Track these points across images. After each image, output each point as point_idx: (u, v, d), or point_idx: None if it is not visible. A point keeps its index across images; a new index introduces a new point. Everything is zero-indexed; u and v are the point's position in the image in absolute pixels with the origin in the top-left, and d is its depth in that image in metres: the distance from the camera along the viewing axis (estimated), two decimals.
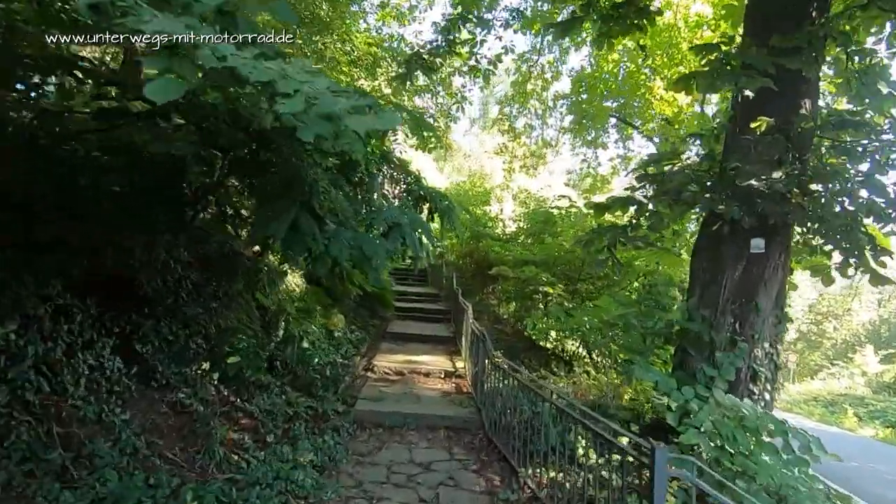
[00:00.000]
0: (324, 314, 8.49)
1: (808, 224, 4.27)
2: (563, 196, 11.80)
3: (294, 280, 8.07)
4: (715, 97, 8.75)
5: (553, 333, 8.42)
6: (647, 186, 4.77)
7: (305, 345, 5.25)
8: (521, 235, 15.09)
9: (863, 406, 17.46)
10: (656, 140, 13.57)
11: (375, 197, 4.13)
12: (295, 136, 1.77)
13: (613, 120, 15.32)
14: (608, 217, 7.61)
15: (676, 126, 8.05)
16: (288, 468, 3.92)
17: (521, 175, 18.18)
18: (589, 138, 16.33)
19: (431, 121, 11.46)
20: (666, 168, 4.87)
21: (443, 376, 7.74)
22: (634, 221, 4.80)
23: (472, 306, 11.59)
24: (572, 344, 9.26)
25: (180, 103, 3.09)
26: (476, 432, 5.69)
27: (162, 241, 4.83)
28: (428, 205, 5.20)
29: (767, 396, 4.58)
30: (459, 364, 8.23)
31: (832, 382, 23.24)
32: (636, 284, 9.84)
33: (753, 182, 3.96)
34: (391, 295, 12.72)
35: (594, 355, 9.02)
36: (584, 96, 10.82)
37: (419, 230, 4.15)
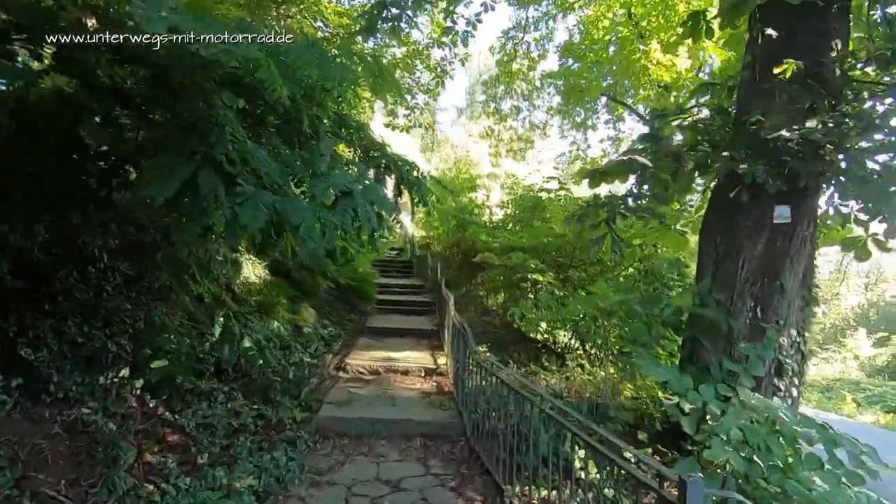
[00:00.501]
0: (291, 308, 7.68)
1: (845, 186, 3.56)
2: (552, 178, 11.05)
3: (255, 270, 7.25)
4: (715, 63, 8.04)
5: (543, 325, 7.69)
6: (653, 146, 4.03)
7: (248, 344, 4.45)
8: (508, 223, 14.36)
9: (859, 391, 17.09)
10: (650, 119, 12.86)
11: (327, 164, 3.32)
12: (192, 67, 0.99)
13: (604, 99, 14.61)
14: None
15: (675, 93, 7.37)
16: (217, 497, 3.16)
17: (508, 160, 17.44)
18: (578, 120, 15.61)
19: (409, 99, 10.62)
20: (675, 123, 4.15)
21: (423, 374, 7.00)
22: (636, 191, 4.08)
23: (458, 297, 10.85)
24: (564, 335, 8.56)
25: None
26: (457, 439, 4.96)
27: (70, 224, 4.01)
28: (393, 176, 4.42)
29: (795, 392, 3.91)
30: (441, 360, 7.49)
31: (825, 367, 22.95)
32: (631, 270, 9.17)
33: (785, 132, 3.24)
34: (372, 287, 11.94)
35: (588, 347, 8.35)
36: (576, 66, 10.02)
37: (376, 202, 3.36)
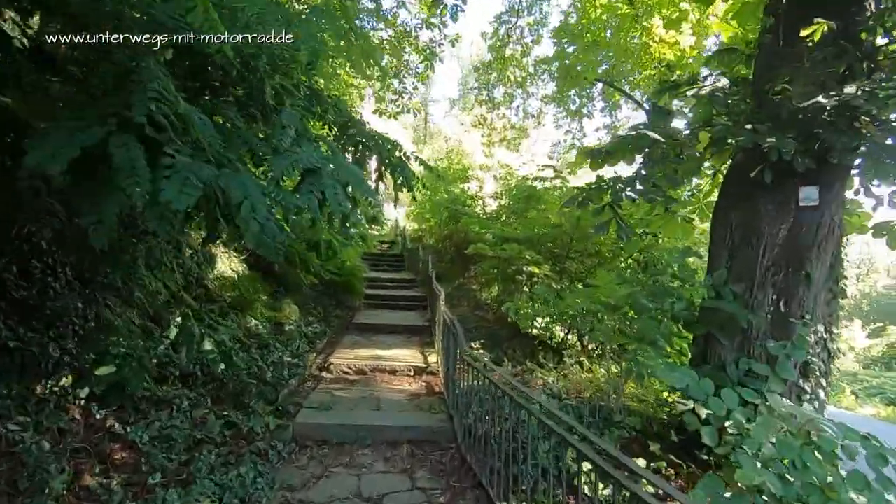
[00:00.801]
0: (271, 304, 7.22)
1: (880, 165, 3.14)
2: (548, 165, 10.60)
3: (231, 264, 6.77)
4: (716, 38, 7.61)
5: (540, 320, 7.25)
6: (662, 121, 3.60)
7: (208, 346, 3.98)
8: (502, 214, 13.92)
9: (857, 382, 16.89)
10: (647, 107, 12.43)
11: (291, 138, 2.85)
12: None
13: (599, 86, 14.15)
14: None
15: (679, 72, 6.92)
16: None
17: (502, 150, 16.99)
18: (573, 108, 15.17)
19: (397, 84, 10.11)
20: (690, 93, 3.70)
21: (412, 373, 6.58)
22: (646, 171, 3.64)
23: (450, 291, 10.42)
24: (560, 330, 8.16)
25: None
26: (447, 446, 4.55)
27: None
28: (374, 158, 3.95)
29: (822, 394, 3.52)
30: (432, 358, 7.07)
31: None
32: (630, 261, 8.78)
33: (821, 99, 2.81)
34: (361, 282, 11.46)
35: (585, 342, 7.96)
36: (571, 49, 9.54)
37: (350, 184, 2.91)
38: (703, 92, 3.65)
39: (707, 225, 5.21)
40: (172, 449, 3.55)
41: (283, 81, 3.23)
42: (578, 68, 11.01)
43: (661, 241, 7.28)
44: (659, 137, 3.41)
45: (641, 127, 4.42)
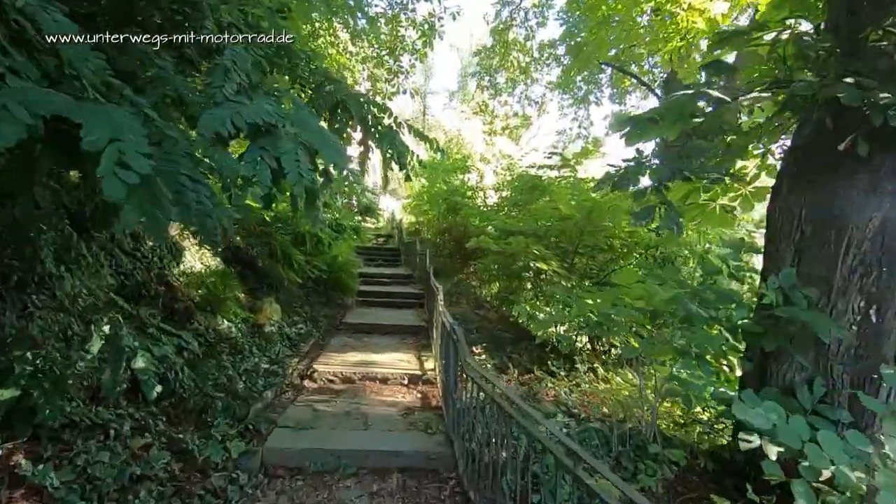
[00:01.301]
0: (249, 304, 6.46)
1: None
2: (554, 153, 9.83)
3: (202, 258, 6.00)
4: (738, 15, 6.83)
5: (558, 328, 6.47)
6: (724, 79, 2.85)
7: (142, 364, 3.20)
8: (504, 206, 13.16)
9: None
10: (659, 92, 11.66)
11: (234, 87, 2.08)
12: None
13: (608, 72, 13.38)
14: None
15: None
16: None
17: (503, 139, 16.23)
18: (580, 94, 14.43)
19: (393, 63, 9.30)
20: (769, 37, 2.91)
21: (406, 382, 5.84)
22: (703, 140, 2.88)
23: (449, 288, 9.66)
24: (573, 335, 7.41)
25: None
26: (446, 476, 3.81)
27: None
28: (359, 128, 3.19)
29: None
30: (429, 364, 6.33)
31: None
32: (644, 256, 8.04)
33: None
34: (353, 278, 10.69)
35: (596, 346, 7.23)
36: (582, 25, 8.76)
37: (320, 149, 2.14)
38: (783, 36, 2.85)
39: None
40: (97, 492, 2.79)
41: (233, 19, 2.46)
42: (592, 35, 10.14)
43: (685, 235, 6.53)
44: (724, 97, 2.65)
45: (707, 73, 3.55)
